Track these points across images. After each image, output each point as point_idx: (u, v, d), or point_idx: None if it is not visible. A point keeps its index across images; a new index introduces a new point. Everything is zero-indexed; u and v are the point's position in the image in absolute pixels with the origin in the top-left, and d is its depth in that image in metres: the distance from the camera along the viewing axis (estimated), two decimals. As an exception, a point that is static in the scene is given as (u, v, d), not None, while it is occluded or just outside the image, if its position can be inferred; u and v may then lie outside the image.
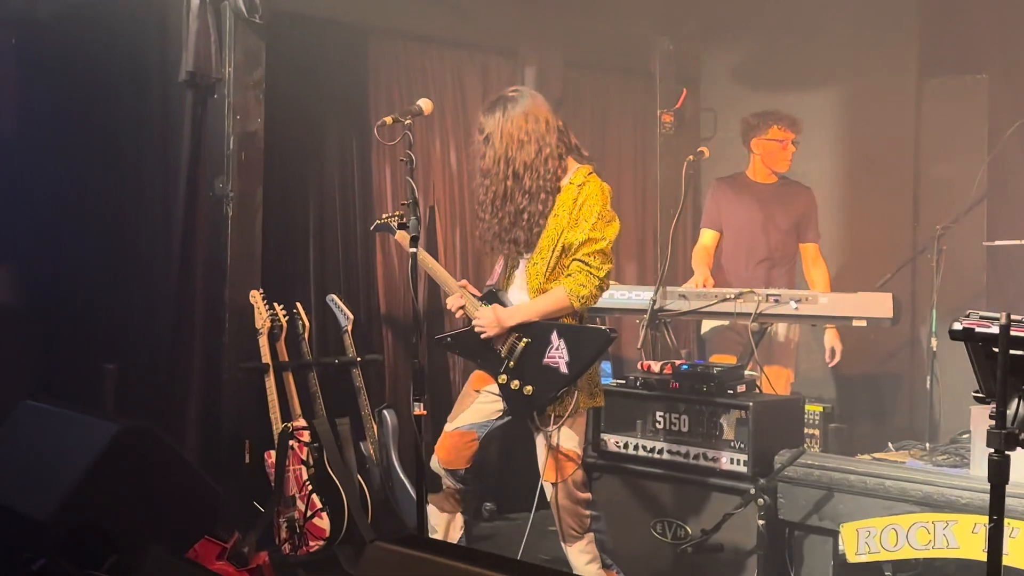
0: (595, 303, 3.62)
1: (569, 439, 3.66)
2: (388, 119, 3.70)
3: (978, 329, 2.18)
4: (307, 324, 4.85)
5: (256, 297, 4.70)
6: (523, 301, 3.68)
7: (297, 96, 5.08)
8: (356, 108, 5.31)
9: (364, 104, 5.33)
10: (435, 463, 3.84)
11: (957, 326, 2.22)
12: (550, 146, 3.62)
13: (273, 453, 4.61)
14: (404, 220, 3.80)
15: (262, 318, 4.67)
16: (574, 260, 3.57)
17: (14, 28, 5.41)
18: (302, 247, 5.17)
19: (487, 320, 3.65)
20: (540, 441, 3.69)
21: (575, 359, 3.56)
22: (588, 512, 3.73)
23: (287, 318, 4.77)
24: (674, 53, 6.44)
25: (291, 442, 4.61)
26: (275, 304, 4.74)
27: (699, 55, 6.61)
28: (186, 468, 3.75)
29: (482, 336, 3.66)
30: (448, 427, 3.84)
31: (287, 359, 4.75)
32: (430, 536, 3.80)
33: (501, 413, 3.75)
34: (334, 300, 4.96)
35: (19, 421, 3.90)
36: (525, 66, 5.82)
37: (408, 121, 3.67)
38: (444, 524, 3.83)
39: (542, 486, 3.73)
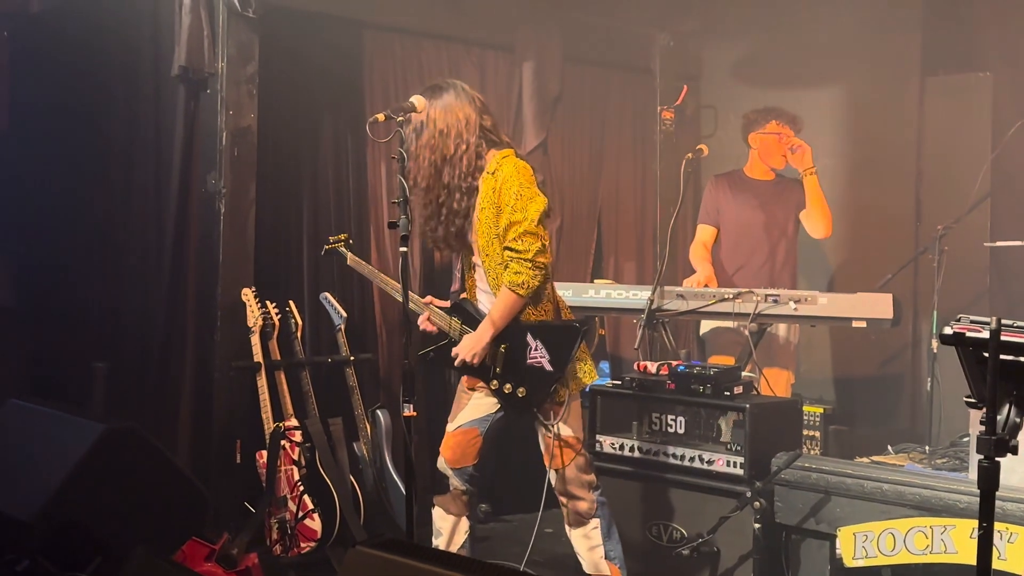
0: (538, 283, 3.58)
1: (567, 427, 3.70)
2: (380, 116, 3.69)
3: (969, 334, 2.17)
4: (300, 322, 4.85)
5: (248, 295, 4.70)
6: (488, 302, 3.70)
7: (291, 91, 5.08)
8: (351, 104, 5.30)
9: (359, 100, 5.32)
10: (442, 464, 3.86)
11: (948, 330, 2.21)
12: (468, 143, 3.63)
13: (265, 453, 4.61)
14: (352, 242, 3.96)
15: (254, 316, 4.67)
16: (504, 248, 3.58)
17: (7, 21, 5.41)
18: (295, 244, 5.16)
19: (467, 351, 3.65)
20: (542, 434, 3.73)
21: (555, 355, 3.61)
22: (593, 496, 3.74)
23: (280, 316, 4.77)
24: (675, 49, 6.44)
25: (283, 442, 4.61)
26: (267, 302, 4.74)
27: (700, 52, 6.61)
28: (173, 469, 3.74)
29: (473, 366, 3.67)
30: (450, 427, 3.86)
31: (279, 358, 4.75)
32: (434, 539, 3.83)
33: (498, 407, 3.77)
34: (327, 298, 4.96)
35: (5, 420, 3.89)
36: (523, 62, 5.81)
37: (400, 118, 3.66)
38: (449, 527, 3.84)
39: (547, 486, 3.74)
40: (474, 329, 3.69)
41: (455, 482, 3.82)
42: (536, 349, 3.62)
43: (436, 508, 3.86)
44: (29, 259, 5.17)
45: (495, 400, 3.76)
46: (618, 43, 6.20)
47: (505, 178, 3.58)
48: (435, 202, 3.67)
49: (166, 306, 4.89)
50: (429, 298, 3.89)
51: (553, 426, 3.67)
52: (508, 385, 3.67)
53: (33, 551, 3.25)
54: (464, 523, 3.85)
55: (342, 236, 4.13)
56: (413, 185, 3.67)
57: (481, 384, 3.77)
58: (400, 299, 3.62)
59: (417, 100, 3.78)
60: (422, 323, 3.83)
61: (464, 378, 3.86)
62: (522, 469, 4.24)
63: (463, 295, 3.85)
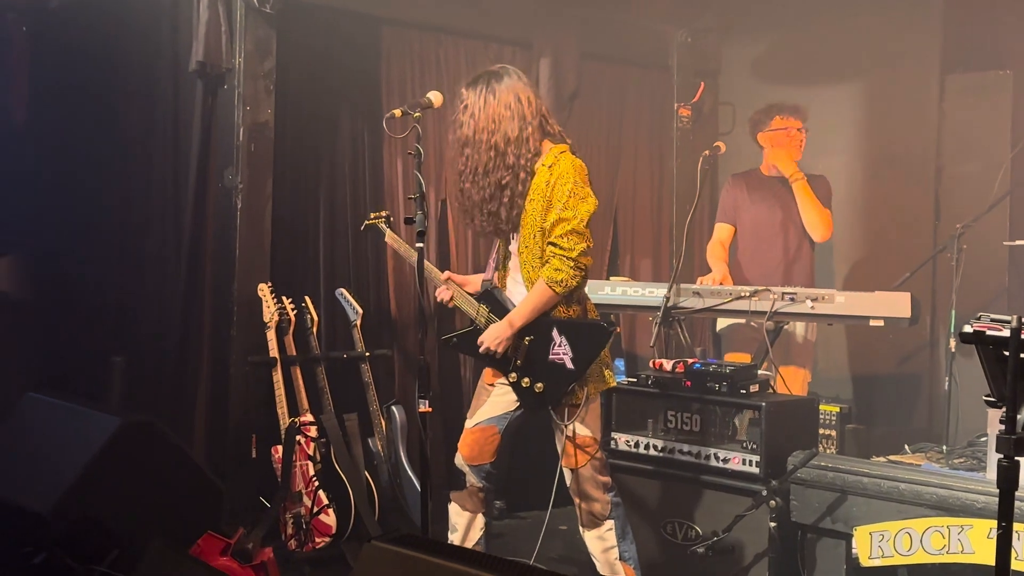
0: (576, 284, 3.57)
1: (583, 427, 3.68)
2: (397, 112, 3.70)
3: (989, 332, 2.16)
4: (315, 318, 4.86)
5: (264, 290, 4.72)
6: (521, 293, 3.68)
7: (308, 87, 5.09)
8: (368, 99, 5.31)
9: (376, 95, 5.33)
10: (459, 460, 3.85)
11: (968, 329, 2.20)
12: (531, 125, 3.63)
13: (280, 448, 4.62)
14: (392, 219, 3.91)
15: (270, 311, 4.69)
16: (548, 244, 3.56)
17: (26, 16, 5.44)
18: (312, 240, 5.18)
19: (493, 339, 3.65)
20: (558, 433, 3.71)
21: (578, 354, 3.58)
22: (608, 498, 3.72)
23: (295, 312, 4.78)
24: (692, 46, 6.43)
25: (298, 437, 4.62)
26: (283, 297, 4.76)
27: (718, 48, 6.59)
28: (189, 463, 3.76)
29: (495, 356, 3.67)
30: (469, 424, 3.85)
31: (295, 353, 4.77)
32: (450, 534, 3.83)
33: (518, 404, 3.76)
34: (343, 294, 4.97)
35: (23, 414, 3.92)
36: (540, 58, 5.81)
37: (417, 114, 3.66)
38: (465, 523, 3.83)
39: (557, 482, 3.74)
40: (501, 318, 3.68)
41: (472, 479, 3.82)
42: (560, 345, 3.60)
43: (452, 504, 3.86)
44: (47, 253, 5.20)
45: (514, 398, 3.75)
46: (635, 39, 6.19)
47: (561, 173, 3.57)
48: (496, 184, 3.60)
49: (183, 301, 4.91)
50: (448, 274, 3.87)
51: (567, 426, 3.66)
52: (527, 379, 3.65)
53: (50, 544, 3.27)
54: (480, 520, 3.85)
55: (383, 212, 4.15)
56: (468, 172, 3.65)
57: (502, 380, 3.76)
58: (433, 278, 3.68)
59: (434, 96, 3.78)
60: (439, 293, 3.82)
61: (485, 373, 3.86)
62: (538, 466, 4.23)
63: (495, 283, 3.81)
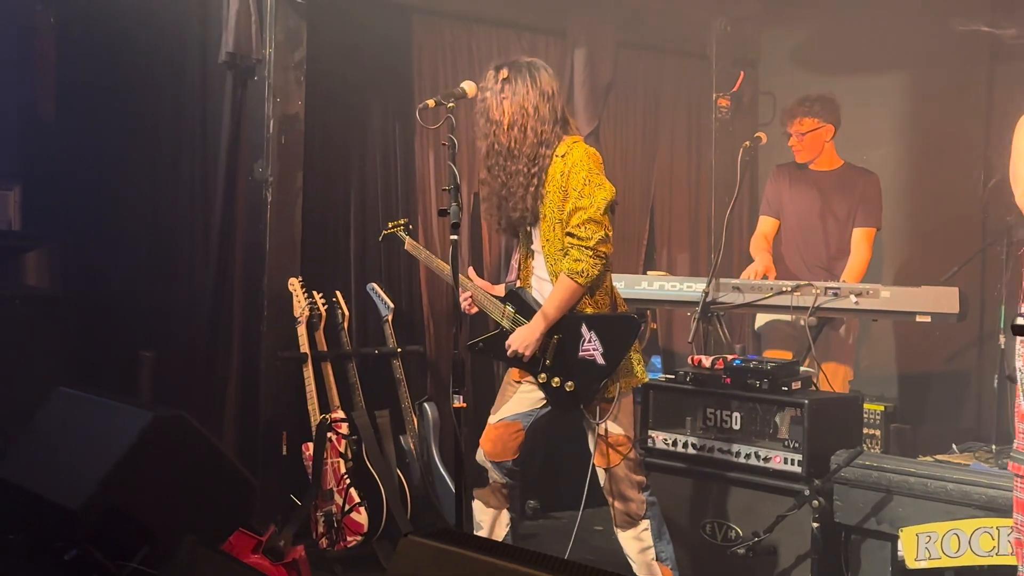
0: (597, 273, 3.56)
1: (616, 425, 3.68)
2: (430, 102, 3.71)
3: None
4: (347, 313, 4.90)
5: (295, 285, 4.76)
6: (545, 290, 3.69)
7: (339, 78, 5.12)
8: (400, 90, 5.34)
9: (408, 86, 5.36)
10: (481, 456, 3.87)
11: (1020, 321, 2.20)
12: (558, 120, 3.67)
13: (311, 445, 4.66)
14: (411, 227, 3.98)
15: (301, 306, 4.72)
16: (566, 234, 3.57)
17: (53, 7, 5.50)
18: (343, 233, 5.21)
19: (520, 343, 3.66)
20: (591, 432, 3.71)
21: (609, 349, 3.57)
22: (643, 497, 3.72)
23: (326, 307, 4.82)
24: (731, 34, 6.41)
25: (329, 434, 4.66)
26: (314, 292, 4.80)
27: (758, 36, 6.58)
28: (221, 458, 3.78)
29: (524, 359, 3.68)
30: (492, 419, 3.87)
31: (326, 349, 4.81)
32: (475, 532, 3.85)
33: (544, 402, 3.77)
34: (375, 289, 5.00)
35: (54, 408, 3.96)
36: (575, 48, 5.82)
37: (451, 104, 3.68)
38: (490, 520, 3.86)
39: (589, 482, 3.74)
40: (528, 318, 3.69)
41: (494, 475, 3.84)
42: (590, 341, 3.60)
43: (475, 501, 3.88)
44: (76, 248, 5.25)
45: (540, 395, 3.76)
46: (673, 28, 6.18)
47: (575, 162, 3.58)
48: (529, 172, 3.63)
49: (212, 295, 4.96)
50: (471, 272, 3.91)
51: (600, 424, 3.66)
52: (557, 379, 3.65)
53: (81, 540, 3.31)
54: (505, 516, 3.87)
55: (401, 221, 4.19)
56: (497, 162, 3.67)
57: (529, 377, 3.77)
58: (447, 279, 3.70)
59: (468, 86, 3.80)
60: (464, 302, 3.83)
61: (511, 370, 3.88)
62: (572, 464, 4.23)
63: (519, 283, 3.84)
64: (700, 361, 4.38)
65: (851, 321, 5.05)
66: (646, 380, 3.81)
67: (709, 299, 4.64)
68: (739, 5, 6.36)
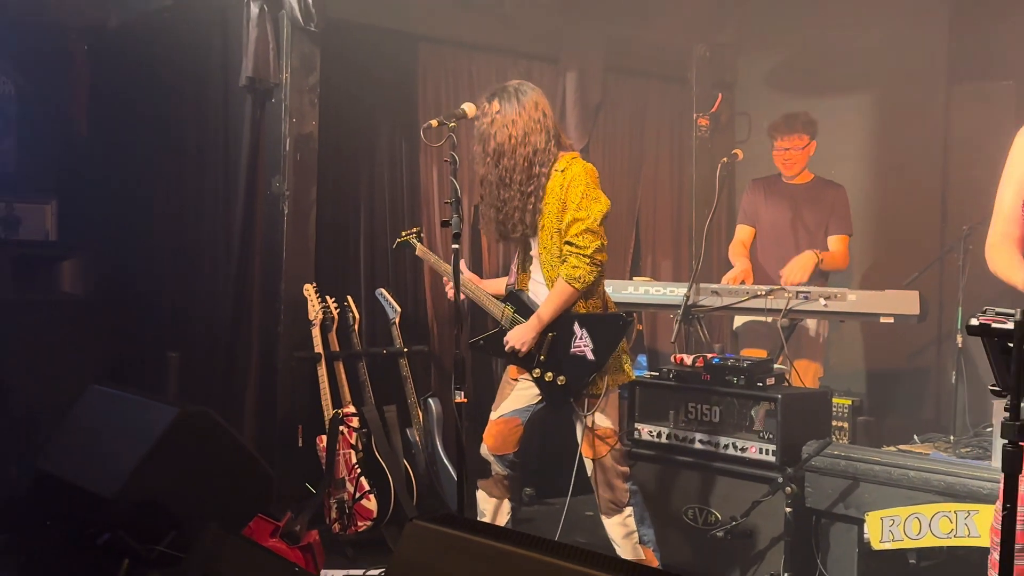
0: (593, 279, 3.59)
1: (604, 418, 3.68)
2: (434, 122, 3.72)
3: (994, 325, 2.16)
4: (357, 316, 4.89)
5: (310, 290, 4.76)
6: (542, 294, 3.70)
7: (350, 100, 5.13)
8: (405, 111, 5.34)
9: (413, 108, 5.37)
10: (484, 450, 3.87)
11: (974, 322, 2.20)
12: (552, 137, 3.67)
13: (324, 438, 4.66)
14: (422, 235, 4.01)
15: (315, 310, 4.72)
16: (565, 244, 3.58)
17: (87, 35, 5.51)
18: (353, 243, 5.21)
19: (518, 339, 3.67)
20: (579, 424, 3.71)
21: (599, 345, 3.59)
22: (626, 486, 3.73)
23: (338, 310, 4.82)
24: (710, 59, 6.41)
25: (341, 427, 4.66)
26: (327, 297, 4.79)
27: (734, 61, 6.58)
28: (242, 450, 3.78)
29: (520, 354, 3.69)
30: (493, 416, 3.87)
31: (338, 349, 4.80)
32: (478, 518, 3.85)
33: (540, 398, 3.78)
34: (383, 294, 5.00)
35: (88, 404, 3.96)
36: (567, 72, 5.82)
37: (452, 124, 3.69)
38: (492, 509, 3.88)
39: (576, 471, 3.74)
40: (525, 317, 3.71)
41: (496, 468, 3.85)
42: (581, 338, 3.62)
43: (479, 491, 3.90)
44: (108, 255, 5.26)
45: (536, 391, 3.77)
46: (656, 54, 6.19)
47: (573, 176, 3.59)
48: (523, 192, 3.64)
49: (233, 300, 4.96)
50: (472, 275, 3.92)
51: (588, 416, 3.66)
52: (549, 373, 3.67)
53: (113, 525, 3.30)
54: (506, 505, 3.88)
55: (414, 229, 4.21)
56: (497, 181, 3.67)
57: (525, 375, 3.78)
58: (442, 271, 3.78)
59: (468, 107, 3.81)
60: (448, 288, 3.82)
61: (509, 368, 3.88)
62: (566, 454, 4.23)
63: (517, 286, 3.85)
64: (682, 360, 4.38)
65: (821, 322, 5.06)
66: (633, 377, 3.83)
67: (690, 302, 4.65)
68: (717, 33, 6.37)
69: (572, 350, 3.64)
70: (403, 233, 4.24)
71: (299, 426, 4.78)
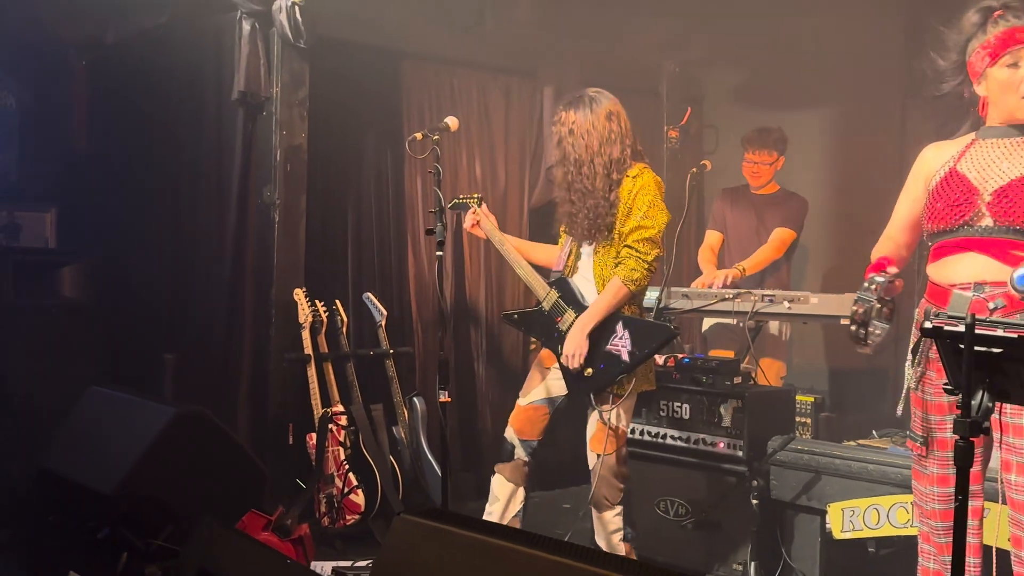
0: (646, 284, 3.57)
1: (620, 417, 3.61)
2: (418, 135, 3.74)
3: (946, 327, 2.19)
4: (345, 319, 4.89)
5: (299, 295, 4.75)
6: (590, 289, 3.64)
7: (338, 113, 5.12)
8: (391, 124, 5.34)
9: (398, 121, 5.37)
10: (510, 433, 3.78)
11: (928, 325, 2.24)
12: (629, 147, 3.63)
13: (314, 435, 4.66)
14: (482, 199, 3.88)
15: (305, 314, 4.72)
16: (624, 247, 3.54)
17: (85, 52, 5.49)
18: (341, 250, 5.21)
19: (574, 350, 3.56)
20: (593, 417, 3.63)
21: (637, 348, 3.52)
22: (622, 486, 3.69)
23: (327, 314, 4.81)
24: (680, 75, 6.45)
25: (330, 425, 4.66)
26: (316, 301, 4.79)
27: (703, 77, 6.62)
28: (236, 448, 3.77)
29: (572, 368, 3.58)
30: (522, 401, 3.79)
31: (327, 351, 4.79)
32: (490, 505, 3.77)
33: (568, 392, 3.70)
34: (369, 298, 5.00)
35: (88, 405, 3.94)
36: (544, 87, 5.83)
37: (436, 137, 3.70)
38: (507, 494, 3.75)
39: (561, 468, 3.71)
40: (568, 304, 3.64)
41: (520, 452, 3.75)
42: (621, 338, 3.53)
43: (496, 476, 3.77)
44: (106, 262, 5.24)
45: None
46: (629, 70, 6.21)
47: (644, 185, 3.57)
48: (608, 200, 3.57)
49: (227, 304, 4.95)
50: (520, 246, 3.87)
51: (607, 412, 3.59)
52: None
53: (113, 520, 3.29)
54: (521, 493, 3.77)
55: (475, 195, 4.01)
56: (578, 188, 3.60)
57: (556, 365, 3.69)
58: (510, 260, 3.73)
59: (451, 120, 3.82)
60: (470, 223, 3.79)
61: (543, 353, 3.78)
62: (557, 449, 4.23)
63: (565, 275, 3.76)
64: (655, 360, 4.39)
65: (785, 323, 5.09)
66: (654, 387, 3.76)
67: (662, 305, 4.65)
68: (686, 50, 6.40)
69: (608, 347, 3.55)
70: (461, 196, 4.02)
71: (290, 424, 4.78)
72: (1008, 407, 2.69)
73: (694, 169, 5.03)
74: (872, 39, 5.57)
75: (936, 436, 2.87)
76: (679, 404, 4.31)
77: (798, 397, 4.54)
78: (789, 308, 4.45)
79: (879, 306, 2.77)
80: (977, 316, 2.12)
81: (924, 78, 2.99)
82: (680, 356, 4.40)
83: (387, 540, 2.18)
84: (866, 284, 2.74)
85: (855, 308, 2.71)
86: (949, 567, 2.50)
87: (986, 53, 2.79)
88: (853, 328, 2.70)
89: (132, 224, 5.32)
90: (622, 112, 3.67)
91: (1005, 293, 2.68)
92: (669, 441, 4.30)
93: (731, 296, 4.57)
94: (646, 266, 3.52)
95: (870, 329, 2.74)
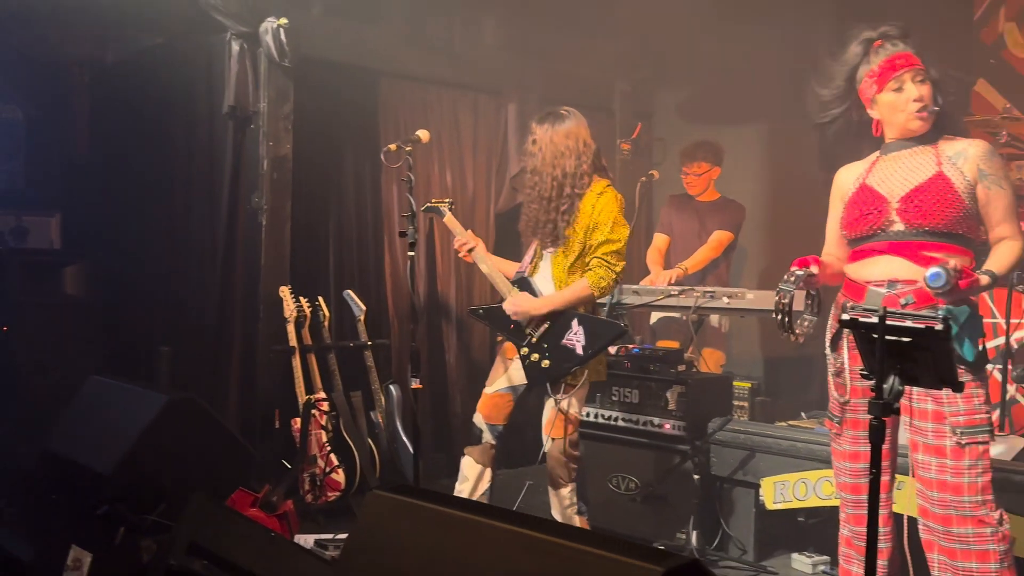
0: (610, 292, 3.58)
1: (573, 405, 3.61)
2: (392, 146, 3.72)
3: (861, 319, 2.22)
4: (327, 314, 4.87)
5: (285, 292, 4.72)
6: (548, 289, 3.64)
7: (320, 126, 5.09)
8: (368, 137, 5.31)
9: (375, 133, 5.34)
10: (478, 419, 3.76)
11: (845, 317, 2.27)
12: (585, 163, 3.61)
13: (298, 420, 4.62)
14: (453, 206, 3.85)
15: (290, 309, 4.69)
16: (594, 257, 3.54)
17: (88, 69, 5.43)
18: (323, 251, 5.18)
19: (516, 305, 3.61)
20: (549, 404, 3.62)
21: (590, 344, 3.52)
22: (574, 466, 3.69)
23: (311, 309, 4.79)
24: (631, 93, 6.48)
25: (313, 411, 4.63)
26: (301, 297, 4.76)
27: (652, 95, 6.65)
28: (224, 431, 3.75)
29: (513, 319, 3.63)
30: (488, 390, 3.77)
31: (310, 343, 4.76)
32: (460, 484, 3.76)
33: (526, 382, 3.69)
34: (349, 295, 4.98)
35: (89, 393, 3.90)
36: (508, 103, 5.83)
37: (408, 148, 3.69)
38: (476, 474, 3.74)
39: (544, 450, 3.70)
40: None
41: (487, 436, 3.74)
42: (576, 333, 3.54)
43: (466, 458, 3.76)
44: (106, 262, 5.19)
45: None
46: (585, 88, 6.24)
47: (606, 203, 3.56)
48: (556, 208, 3.58)
49: (218, 300, 4.90)
50: (490, 256, 3.83)
51: (561, 400, 3.59)
52: (536, 355, 3.59)
53: (111, 498, 3.26)
54: (488, 473, 3.75)
55: (446, 200, 3.95)
56: (535, 196, 3.60)
57: (519, 356, 3.67)
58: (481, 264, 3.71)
59: (422, 133, 3.81)
60: (459, 244, 3.76)
61: (507, 346, 3.77)
62: (517, 431, 4.23)
63: (527, 275, 3.74)
64: (608, 351, 4.41)
65: (724, 317, 5.13)
66: (604, 379, 3.76)
67: (615, 301, 4.68)
68: (637, 70, 6.44)
69: (564, 341, 3.55)
70: (433, 200, 3.97)
71: (276, 410, 4.74)
72: (914, 393, 2.74)
73: (643, 178, 5.07)
74: (800, 63, 5.61)
75: (849, 417, 2.90)
76: (629, 390, 4.34)
77: (736, 383, 4.58)
78: (728, 303, 4.49)
79: (808, 302, 2.81)
80: (888, 309, 2.15)
81: (813, 107, 3.08)
82: (631, 347, 4.42)
83: (361, 514, 2.17)
84: (786, 277, 2.78)
85: (777, 298, 2.75)
86: (860, 535, 2.54)
87: (872, 81, 2.88)
88: (778, 317, 2.74)
89: (130, 227, 5.26)
90: (583, 131, 3.65)
91: (915, 290, 2.72)
92: (620, 423, 4.32)
93: (676, 292, 4.60)
94: (614, 276, 3.54)
95: (797, 320, 2.78)
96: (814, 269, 2.83)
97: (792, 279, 2.77)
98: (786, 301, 2.73)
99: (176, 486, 3.34)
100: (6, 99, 5.28)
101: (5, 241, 5.23)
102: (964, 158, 2.77)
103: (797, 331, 2.78)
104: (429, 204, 3.98)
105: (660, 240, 5.43)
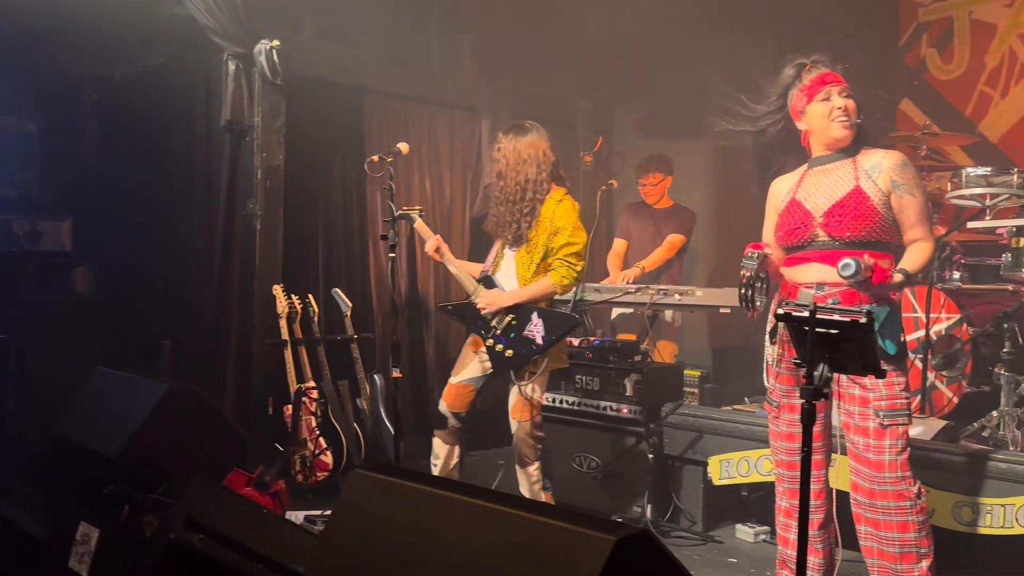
0: (572, 289, 3.62)
1: (536, 390, 3.62)
2: (375, 157, 3.71)
3: (794, 313, 2.24)
4: (317, 310, 4.84)
5: (278, 290, 4.69)
6: (511, 285, 3.64)
7: (310, 139, 5.07)
8: (354, 149, 5.29)
9: (360, 146, 5.32)
10: (443, 407, 3.77)
11: (780, 311, 2.29)
12: (545, 171, 3.61)
13: (290, 407, 4.60)
14: (423, 213, 3.84)
15: (282, 306, 4.66)
16: (557, 259, 3.56)
17: (96, 85, 5.37)
18: (313, 252, 5.15)
19: (488, 301, 3.62)
20: (513, 390, 3.63)
21: (549, 334, 3.54)
22: (539, 446, 3.71)
23: (301, 306, 4.76)
24: (592, 110, 6.49)
25: (304, 399, 4.61)
26: (292, 295, 4.73)
27: (611, 112, 6.66)
28: (221, 418, 3.71)
29: (482, 312, 3.63)
30: (453, 380, 3.77)
31: (301, 337, 4.74)
32: (433, 461, 3.77)
33: (493, 370, 3.70)
34: (337, 292, 4.96)
35: (96, 382, 3.85)
36: (481, 119, 5.83)
37: (390, 159, 3.68)
38: (445, 453, 3.77)
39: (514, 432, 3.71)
40: None
41: (452, 421, 3.75)
42: (536, 325, 3.55)
43: (435, 439, 3.78)
44: (114, 263, 5.13)
45: (490, 365, 3.68)
46: (551, 105, 6.25)
47: (566, 210, 3.59)
48: (519, 211, 3.59)
49: (216, 298, 4.87)
50: (451, 256, 3.82)
51: (523, 386, 3.59)
52: (500, 345, 3.59)
53: (117, 478, 3.23)
54: (456, 451, 3.78)
55: (416, 207, 3.91)
56: (500, 199, 3.62)
57: (483, 349, 3.69)
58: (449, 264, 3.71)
59: (402, 146, 3.80)
60: (429, 248, 3.75)
61: (471, 340, 3.77)
62: (484, 418, 4.22)
63: (491, 274, 3.75)
64: (571, 342, 4.42)
65: (676, 312, 5.15)
66: (567, 365, 3.77)
67: (578, 298, 4.70)
68: (598, 89, 6.46)
69: (525, 332, 3.56)
70: (405, 207, 3.93)
71: (270, 398, 4.72)
72: (843, 380, 2.77)
73: (604, 187, 5.08)
74: (741, 87, 5.65)
75: (785, 402, 2.93)
76: (591, 378, 4.36)
77: (686, 371, 4.60)
78: (679, 300, 4.52)
79: (758, 284, 2.79)
80: (818, 304, 2.17)
81: (739, 119, 3.11)
82: (592, 339, 4.44)
83: (343, 491, 2.15)
84: (748, 255, 2.79)
85: (742, 272, 2.76)
86: (796, 507, 2.56)
87: (803, 95, 2.92)
88: (741, 291, 2.74)
89: (136, 231, 5.21)
90: (544, 143, 3.66)
91: (841, 291, 2.75)
92: (583, 408, 4.33)
93: (633, 290, 4.62)
94: (575, 274, 3.57)
95: (754, 296, 2.77)
96: (767, 251, 2.86)
97: (754, 257, 2.78)
98: (750, 274, 2.73)
99: (176, 467, 3.30)
100: (22, 114, 5.20)
101: (20, 244, 5.16)
102: (879, 171, 2.81)
103: (757, 305, 2.77)
104: (401, 211, 3.95)
105: (619, 245, 5.44)
